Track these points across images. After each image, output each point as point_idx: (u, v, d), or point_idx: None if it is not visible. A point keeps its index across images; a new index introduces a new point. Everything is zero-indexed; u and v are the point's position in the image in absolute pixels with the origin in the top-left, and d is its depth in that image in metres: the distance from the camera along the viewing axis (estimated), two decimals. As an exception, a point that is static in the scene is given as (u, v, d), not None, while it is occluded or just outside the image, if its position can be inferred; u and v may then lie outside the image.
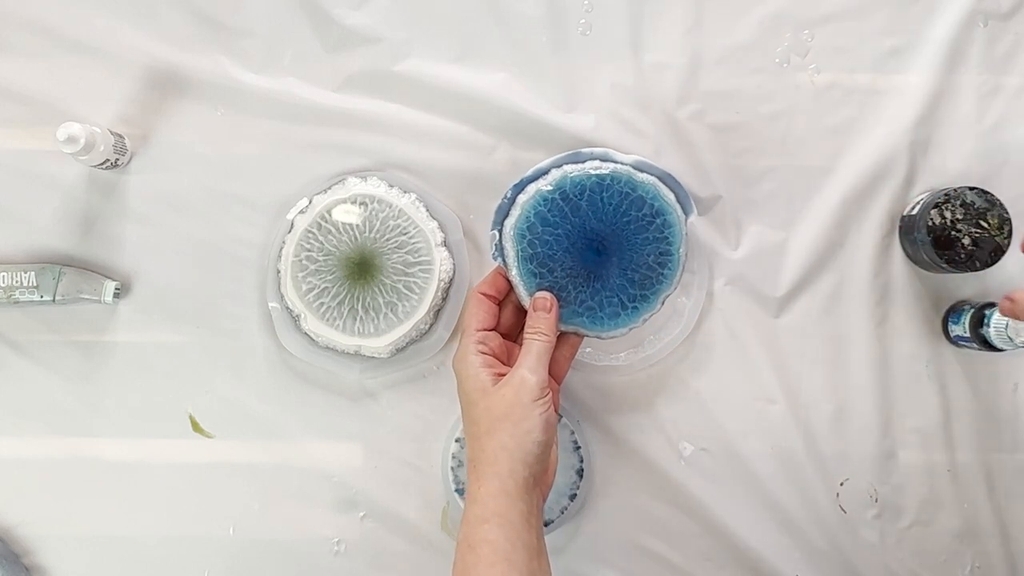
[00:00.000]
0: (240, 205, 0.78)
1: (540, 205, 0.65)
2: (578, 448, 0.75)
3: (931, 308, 0.77)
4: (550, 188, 0.65)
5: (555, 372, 0.68)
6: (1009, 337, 0.69)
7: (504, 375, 0.63)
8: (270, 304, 0.76)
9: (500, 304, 0.68)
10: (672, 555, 0.76)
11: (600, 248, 0.66)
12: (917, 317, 0.77)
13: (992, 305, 0.73)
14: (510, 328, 0.68)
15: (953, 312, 0.76)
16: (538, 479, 0.62)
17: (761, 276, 0.77)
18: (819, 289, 0.77)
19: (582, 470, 0.75)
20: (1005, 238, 0.71)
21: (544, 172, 0.66)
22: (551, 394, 0.63)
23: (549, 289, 0.66)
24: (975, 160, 0.77)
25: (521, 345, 0.67)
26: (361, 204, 0.75)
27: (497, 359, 0.65)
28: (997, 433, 0.76)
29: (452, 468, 0.75)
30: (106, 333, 0.78)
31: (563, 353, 0.69)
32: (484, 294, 0.67)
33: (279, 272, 0.75)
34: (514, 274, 0.66)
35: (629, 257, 0.66)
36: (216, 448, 0.77)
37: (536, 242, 0.65)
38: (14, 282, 0.75)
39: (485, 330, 0.66)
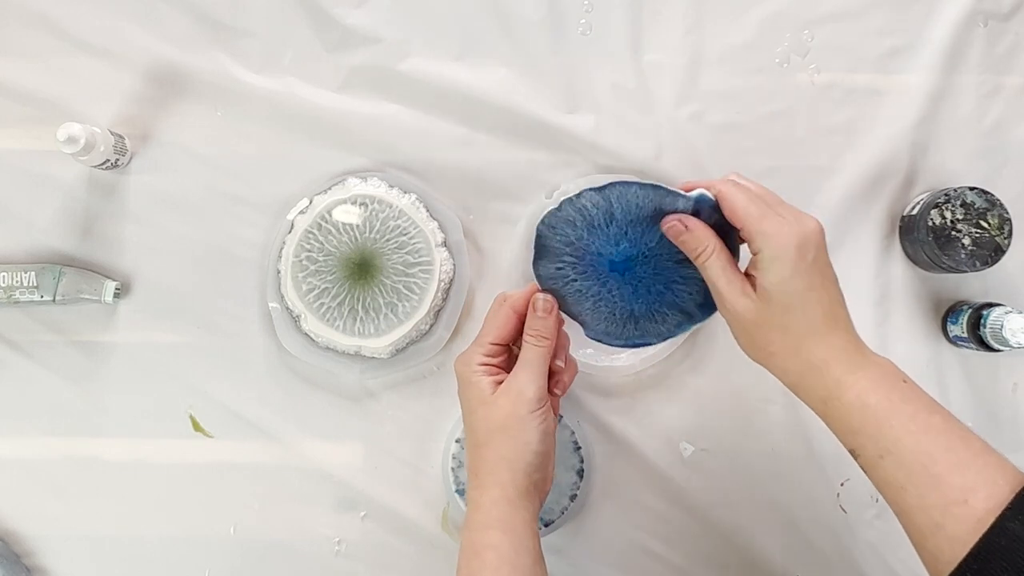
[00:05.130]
0: (240, 205, 0.78)
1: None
2: (578, 448, 0.75)
3: (931, 308, 0.77)
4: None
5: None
6: (1004, 337, 0.70)
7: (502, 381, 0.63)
8: (270, 304, 0.76)
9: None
10: (672, 555, 0.76)
11: (625, 271, 0.65)
12: (917, 317, 0.77)
13: (990, 306, 0.73)
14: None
15: (952, 312, 0.76)
16: (538, 486, 0.62)
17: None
18: (819, 289, 0.77)
19: (582, 470, 0.75)
20: (1005, 238, 0.71)
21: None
22: (548, 403, 0.62)
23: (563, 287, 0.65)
24: (975, 160, 0.77)
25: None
26: (361, 204, 0.75)
27: (501, 371, 0.64)
28: (997, 433, 0.76)
29: (452, 468, 0.75)
30: (106, 333, 0.78)
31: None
32: (513, 309, 0.64)
33: (279, 272, 0.75)
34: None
35: (647, 299, 0.65)
36: (216, 448, 0.77)
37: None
38: (14, 282, 0.75)
39: (498, 344, 0.64)
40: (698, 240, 0.60)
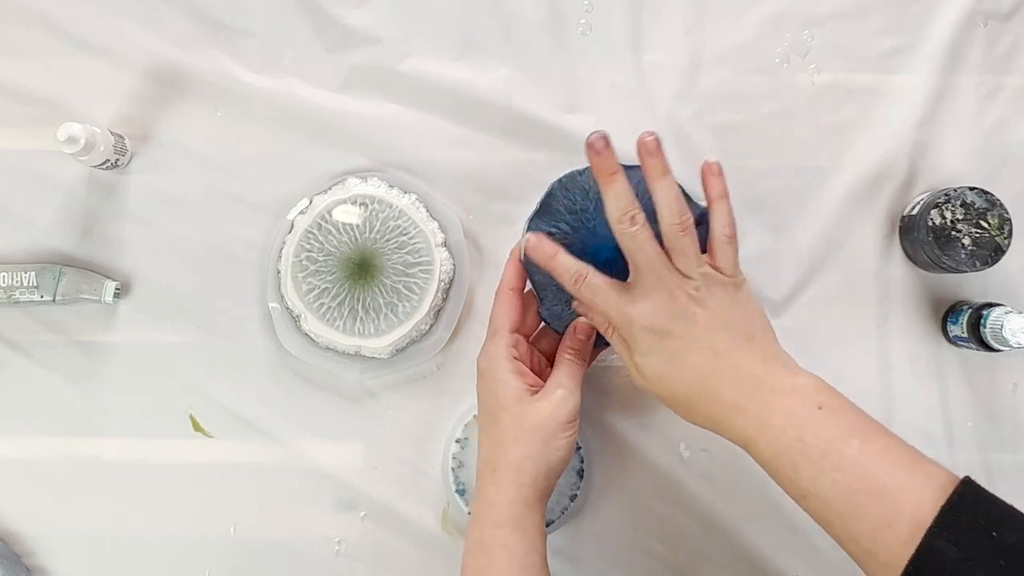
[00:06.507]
0: (240, 205, 0.78)
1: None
2: (578, 448, 0.75)
3: (931, 308, 0.77)
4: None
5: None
6: (1004, 337, 0.69)
7: (535, 385, 0.64)
8: (270, 304, 0.76)
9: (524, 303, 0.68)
10: (672, 555, 0.76)
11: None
12: (917, 317, 0.77)
13: (990, 306, 0.73)
14: (532, 330, 0.69)
15: (952, 312, 0.76)
16: (550, 492, 0.63)
17: (761, 277, 0.77)
18: (819, 289, 0.77)
19: (582, 470, 0.75)
20: (1005, 238, 0.71)
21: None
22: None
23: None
24: (975, 160, 0.77)
25: (536, 347, 0.68)
26: (361, 204, 0.75)
27: (526, 368, 0.65)
28: (997, 433, 0.76)
29: (452, 469, 0.75)
30: (106, 333, 0.77)
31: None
32: (512, 289, 0.66)
33: (279, 272, 0.75)
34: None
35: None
36: (216, 448, 0.77)
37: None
38: (14, 282, 0.75)
39: (515, 332, 0.66)
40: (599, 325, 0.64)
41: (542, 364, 0.68)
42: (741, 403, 0.58)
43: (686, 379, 0.59)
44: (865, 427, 0.56)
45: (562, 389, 0.63)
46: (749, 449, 0.58)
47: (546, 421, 0.61)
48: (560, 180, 0.64)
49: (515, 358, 0.64)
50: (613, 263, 0.65)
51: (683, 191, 0.64)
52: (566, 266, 0.62)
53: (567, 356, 0.65)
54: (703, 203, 0.65)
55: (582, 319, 0.67)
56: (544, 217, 0.64)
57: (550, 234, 0.65)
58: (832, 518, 0.54)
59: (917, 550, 0.49)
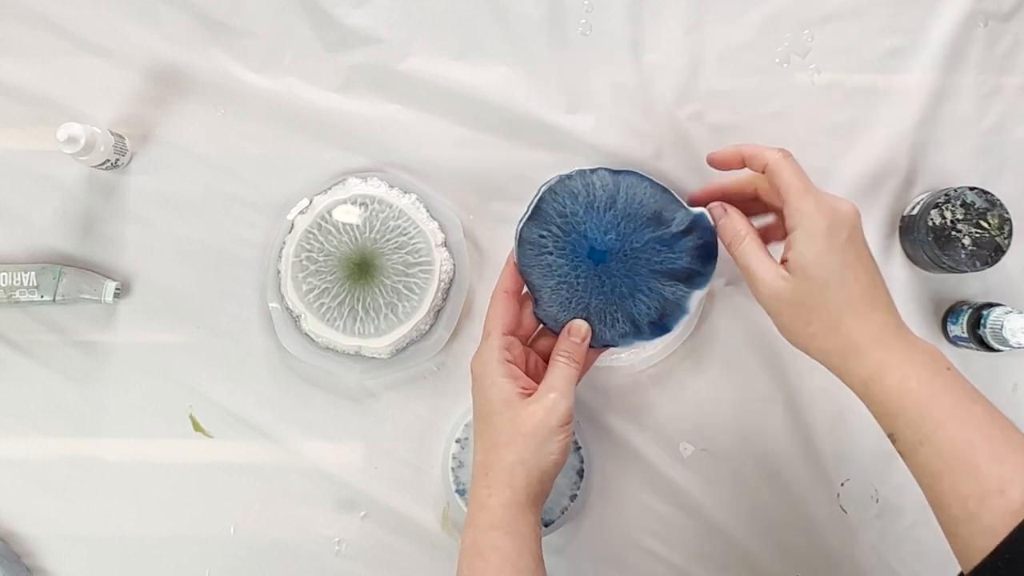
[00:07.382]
0: (240, 205, 0.78)
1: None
2: (578, 448, 0.75)
3: (931, 308, 0.77)
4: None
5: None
6: (1004, 337, 0.70)
7: (527, 388, 0.63)
8: (270, 304, 0.76)
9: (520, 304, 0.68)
10: (672, 555, 0.76)
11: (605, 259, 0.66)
12: (917, 317, 0.77)
13: (990, 306, 0.73)
14: (529, 332, 0.68)
15: (952, 312, 0.76)
16: (545, 495, 0.63)
17: (762, 276, 0.77)
18: (819, 289, 0.77)
19: (582, 470, 0.75)
20: (1005, 238, 0.71)
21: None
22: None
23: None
24: (975, 160, 0.77)
25: (534, 348, 0.68)
26: (361, 204, 0.75)
27: (518, 367, 0.65)
28: (997, 433, 0.76)
29: (452, 468, 0.75)
30: (106, 333, 0.78)
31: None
32: (506, 291, 0.66)
33: (279, 272, 0.75)
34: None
35: (608, 298, 0.66)
36: (216, 448, 0.77)
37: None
38: (14, 282, 0.75)
39: (509, 334, 0.65)
40: (734, 225, 0.63)
41: (539, 366, 0.68)
42: (884, 338, 0.57)
43: (847, 292, 0.58)
44: (985, 400, 0.56)
45: (554, 392, 0.62)
46: (870, 386, 0.57)
47: (538, 426, 0.61)
48: (549, 186, 0.65)
49: (508, 361, 0.64)
50: (603, 265, 0.65)
51: (671, 193, 0.65)
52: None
53: (561, 359, 0.65)
54: (693, 209, 0.65)
55: (577, 320, 0.66)
56: (536, 221, 0.65)
57: (542, 236, 0.65)
58: (943, 471, 0.53)
59: None
